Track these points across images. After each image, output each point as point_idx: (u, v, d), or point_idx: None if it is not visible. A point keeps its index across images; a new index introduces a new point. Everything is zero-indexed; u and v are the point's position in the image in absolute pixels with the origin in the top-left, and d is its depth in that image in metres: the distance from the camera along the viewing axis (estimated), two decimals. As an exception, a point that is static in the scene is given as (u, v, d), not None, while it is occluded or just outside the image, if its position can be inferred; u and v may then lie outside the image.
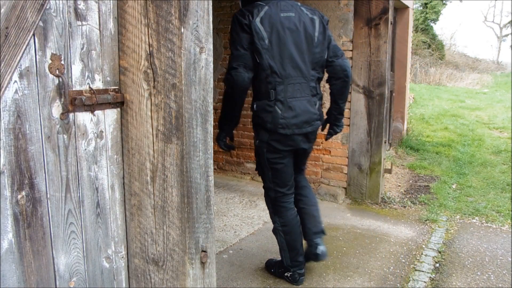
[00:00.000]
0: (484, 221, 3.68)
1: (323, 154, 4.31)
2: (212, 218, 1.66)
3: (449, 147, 6.53)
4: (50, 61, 1.31)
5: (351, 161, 4.15)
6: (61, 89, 1.34)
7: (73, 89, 1.39)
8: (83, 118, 1.43)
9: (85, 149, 1.45)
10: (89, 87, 1.44)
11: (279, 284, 2.57)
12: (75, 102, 1.38)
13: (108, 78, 1.51)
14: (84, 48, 1.41)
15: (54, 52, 1.31)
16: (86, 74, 1.43)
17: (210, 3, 1.54)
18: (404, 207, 4.03)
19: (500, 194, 4.39)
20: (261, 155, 2.36)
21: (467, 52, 29.66)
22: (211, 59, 1.57)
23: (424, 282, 2.63)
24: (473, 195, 4.38)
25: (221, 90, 4.83)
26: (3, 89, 1.19)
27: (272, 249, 3.00)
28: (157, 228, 1.57)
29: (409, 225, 3.56)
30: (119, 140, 1.58)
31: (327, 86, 2.54)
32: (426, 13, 20.14)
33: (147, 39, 1.46)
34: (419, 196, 4.31)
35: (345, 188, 4.22)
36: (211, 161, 1.62)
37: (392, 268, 2.80)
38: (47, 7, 1.28)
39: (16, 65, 1.21)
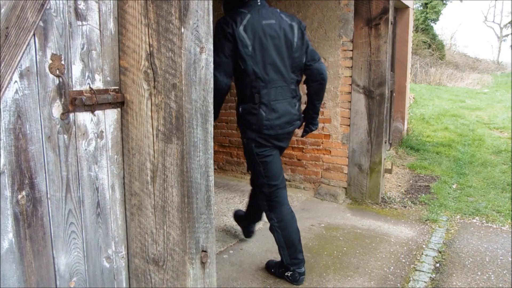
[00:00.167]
0: (484, 221, 3.68)
1: (323, 154, 4.31)
2: (213, 218, 1.66)
3: (449, 147, 6.53)
4: (50, 61, 1.31)
5: (351, 161, 4.15)
6: (62, 89, 1.34)
7: (74, 89, 1.39)
8: (84, 118, 1.43)
9: (86, 149, 1.45)
10: (90, 87, 1.44)
11: (279, 284, 2.57)
12: (75, 102, 1.38)
13: (109, 78, 1.51)
14: (85, 48, 1.41)
15: (55, 52, 1.32)
16: (87, 74, 1.43)
17: (211, 3, 1.54)
18: (405, 207, 4.03)
19: (500, 194, 4.39)
20: (251, 151, 2.47)
21: (467, 52, 29.65)
22: (211, 59, 1.57)
23: (425, 282, 2.63)
24: (474, 195, 4.38)
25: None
26: (3, 89, 1.19)
27: (272, 249, 3.00)
28: (157, 228, 1.57)
29: (409, 225, 3.56)
30: (120, 140, 1.58)
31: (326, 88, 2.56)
32: (426, 13, 20.14)
33: (147, 39, 1.46)
34: (419, 196, 4.31)
35: (345, 188, 4.22)
36: (212, 161, 1.62)
37: (392, 268, 2.80)
38: (47, 7, 1.28)
39: (17, 65, 1.21)
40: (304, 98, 2.66)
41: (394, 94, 6.17)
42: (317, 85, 2.54)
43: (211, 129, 1.60)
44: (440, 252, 3.04)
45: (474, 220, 3.71)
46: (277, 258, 2.74)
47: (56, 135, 1.35)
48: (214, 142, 3.17)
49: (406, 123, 6.88)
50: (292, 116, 2.47)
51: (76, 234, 1.44)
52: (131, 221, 1.63)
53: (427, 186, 4.69)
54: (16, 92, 1.23)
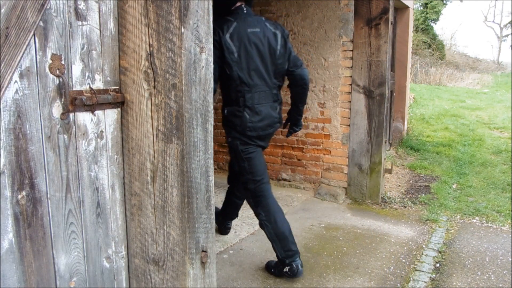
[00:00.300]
0: (484, 221, 3.68)
1: (323, 154, 4.31)
2: (213, 218, 1.66)
3: (449, 147, 6.52)
4: (50, 61, 1.31)
5: (351, 161, 4.15)
6: (62, 89, 1.34)
7: (74, 89, 1.39)
8: (84, 118, 1.43)
9: (86, 149, 1.45)
10: (90, 87, 1.44)
11: (279, 284, 2.57)
12: (75, 102, 1.38)
13: (109, 78, 1.51)
14: (85, 48, 1.41)
15: (55, 52, 1.32)
16: (87, 74, 1.43)
17: (211, 3, 1.55)
18: (405, 207, 4.03)
19: (500, 194, 4.39)
20: (236, 149, 2.59)
21: (467, 52, 29.65)
22: (211, 59, 1.57)
23: (425, 282, 2.63)
24: (474, 195, 4.38)
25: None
26: (3, 89, 1.19)
27: (272, 249, 3.00)
28: (157, 228, 1.57)
29: (409, 225, 3.56)
30: (120, 140, 1.58)
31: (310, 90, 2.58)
32: (427, 13, 20.14)
33: (147, 39, 1.46)
34: (419, 196, 4.31)
35: (345, 188, 4.22)
36: (212, 161, 1.62)
37: (392, 268, 2.80)
38: (48, 7, 1.28)
39: (17, 65, 1.21)
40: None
41: (394, 94, 6.17)
42: (300, 89, 2.70)
43: (211, 129, 1.60)
44: (440, 252, 3.04)
45: (474, 220, 3.71)
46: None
47: (56, 135, 1.35)
48: (214, 142, 3.18)
49: (406, 123, 6.88)
50: (273, 119, 2.62)
51: (76, 234, 1.44)
52: (131, 221, 1.63)
53: (427, 186, 4.69)
54: (16, 92, 1.23)
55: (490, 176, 5.08)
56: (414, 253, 3.03)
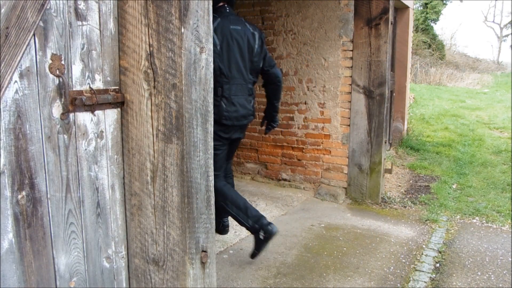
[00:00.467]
0: (484, 221, 3.68)
1: (323, 154, 4.31)
2: (213, 218, 1.66)
3: (449, 147, 6.52)
4: (50, 61, 1.31)
5: (351, 161, 4.15)
6: (62, 89, 1.35)
7: (74, 89, 1.39)
8: (84, 118, 1.43)
9: (86, 149, 1.45)
10: (90, 87, 1.44)
11: (279, 284, 2.57)
12: (75, 102, 1.38)
13: (109, 78, 1.51)
14: (85, 48, 1.41)
15: (55, 52, 1.32)
16: (87, 74, 1.43)
17: (210, 3, 1.55)
18: (405, 207, 4.03)
19: (500, 194, 4.39)
20: None
21: (467, 52, 29.63)
22: (211, 59, 1.57)
23: (425, 282, 2.63)
24: (474, 195, 4.38)
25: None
26: (3, 89, 1.19)
27: (272, 249, 3.01)
28: (157, 228, 1.57)
29: (409, 225, 3.56)
30: (120, 140, 1.58)
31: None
32: (427, 13, 20.13)
33: (147, 39, 1.46)
34: (419, 196, 4.31)
35: (345, 188, 4.22)
36: (211, 161, 1.62)
37: (392, 268, 2.80)
38: (48, 7, 1.28)
39: (17, 65, 1.21)
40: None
41: (394, 94, 6.17)
42: (274, 87, 2.96)
43: (211, 129, 1.60)
44: (440, 252, 3.04)
45: (474, 220, 3.71)
46: (277, 258, 2.75)
47: (56, 135, 1.35)
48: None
49: (406, 123, 6.88)
50: (248, 111, 2.82)
51: (76, 234, 1.44)
52: (131, 221, 1.63)
53: (427, 186, 4.69)
54: (16, 92, 1.23)
55: (490, 176, 5.08)
56: (414, 253, 3.03)
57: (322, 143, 4.28)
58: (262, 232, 2.64)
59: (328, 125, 4.23)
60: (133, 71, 1.52)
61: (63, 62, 1.34)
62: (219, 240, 3.15)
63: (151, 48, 1.46)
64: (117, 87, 1.54)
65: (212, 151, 1.62)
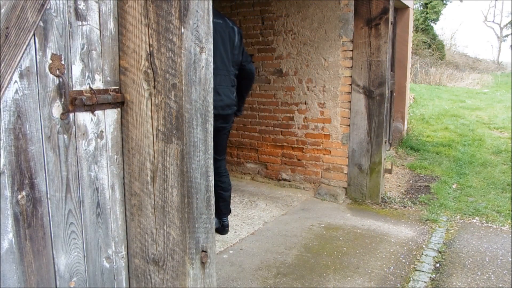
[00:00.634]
0: (484, 221, 3.68)
1: (323, 154, 4.31)
2: (213, 218, 1.66)
3: (449, 147, 6.52)
4: (50, 61, 1.31)
5: (351, 161, 4.15)
6: (62, 89, 1.34)
7: (74, 89, 1.39)
8: (84, 118, 1.43)
9: (85, 149, 1.45)
10: (90, 87, 1.44)
11: (279, 284, 2.57)
12: (75, 102, 1.38)
13: (109, 78, 1.51)
14: (85, 48, 1.41)
15: (55, 52, 1.32)
16: (87, 74, 1.43)
17: (210, 3, 1.54)
18: (405, 207, 4.03)
19: (500, 194, 4.39)
20: None
21: (467, 52, 29.62)
22: (211, 59, 1.57)
23: (425, 282, 2.63)
24: (474, 195, 4.38)
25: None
26: (3, 89, 1.19)
27: (272, 249, 3.01)
28: (157, 228, 1.57)
29: (409, 225, 3.56)
30: (119, 140, 1.58)
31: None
32: (427, 13, 20.13)
33: (147, 39, 1.46)
34: (419, 196, 4.31)
35: (345, 188, 4.22)
36: (211, 161, 1.62)
37: (392, 268, 2.80)
38: (48, 7, 1.28)
39: (17, 65, 1.21)
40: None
41: (394, 94, 6.17)
42: (247, 81, 3.17)
43: (211, 129, 1.60)
44: (440, 252, 3.04)
45: (474, 220, 3.71)
46: (277, 258, 2.74)
47: (56, 135, 1.35)
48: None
49: (406, 123, 6.88)
50: (231, 101, 2.95)
51: (76, 234, 1.44)
52: (131, 221, 1.63)
53: (427, 186, 4.68)
54: (16, 92, 1.23)
55: (490, 176, 5.08)
56: (414, 253, 3.03)
57: (322, 143, 4.28)
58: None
59: (328, 125, 4.23)
60: (133, 71, 1.52)
61: (63, 62, 1.34)
62: (219, 240, 3.15)
63: (151, 48, 1.46)
64: (117, 87, 1.54)
65: (212, 151, 1.62)
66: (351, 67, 4.03)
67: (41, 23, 1.26)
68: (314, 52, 4.21)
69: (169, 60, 1.44)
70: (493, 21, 48.40)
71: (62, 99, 1.35)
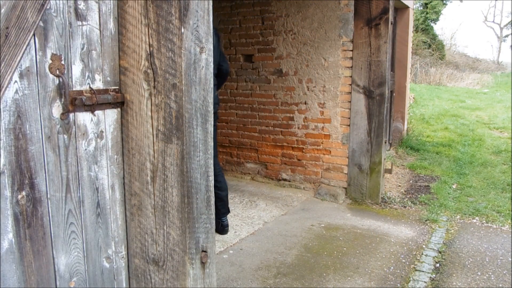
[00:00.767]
0: (484, 221, 3.68)
1: (323, 154, 4.31)
2: (213, 218, 1.66)
3: (449, 147, 6.52)
4: (50, 61, 1.31)
5: (351, 161, 4.15)
6: (62, 89, 1.34)
7: (74, 89, 1.39)
8: (84, 118, 1.43)
9: (85, 149, 1.45)
10: (90, 87, 1.44)
11: (279, 284, 2.57)
12: (75, 102, 1.38)
13: (109, 78, 1.51)
14: (85, 48, 1.41)
15: (55, 52, 1.32)
16: (87, 74, 1.43)
17: (210, 3, 1.54)
18: (405, 207, 4.03)
19: (500, 194, 4.39)
20: None
21: (467, 52, 29.61)
22: (211, 59, 1.57)
23: (425, 282, 2.63)
24: (474, 195, 4.38)
25: (221, 91, 4.84)
26: (3, 89, 1.19)
27: (272, 249, 3.01)
28: (157, 228, 1.57)
29: (409, 225, 3.56)
30: (119, 140, 1.58)
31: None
32: (427, 13, 20.13)
33: (147, 39, 1.46)
34: (419, 196, 4.31)
35: (345, 188, 4.22)
36: (211, 161, 1.62)
37: (392, 268, 2.80)
38: (48, 7, 1.28)
39: (17, 65, 1.21)
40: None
41: (394, 94, 6.17)
42: (221, 80, 3.37)
43: (211, 129, 1.60)
44: (440, 252, 3.04)
45: (474, 220, 3.71)
46: (277, 258, 2.74)
47: (56, 135, 1.35)
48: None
49: (406, 123, 6.88)
50: (215, 99, 2.99)
51: (76, 234, 1.44)
52: (131, 221, 1.63)
53: (427, 186, 4.69)
54: (16, 92, 1.23)
55: (490, 176, 5.08)
56: (414, 253, 3.03)
57: (322, 143, 4.29)
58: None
59: (328, 125, 4.23)
60: (133, 71, 1.52)
61: (63, 62, 1.34)
62: (219, 240, 3.15)
63: (151, 48, 1.46)
64: (117, 87, 1.54)
65: (212, 151, 1.62)
66: (351, 67, 4.03)
67: (41, 23, 1.26)
68: (314, 52, 4.21)
69: (169, 60, 1.44)
70: (493, 21, 48.40)
71: (62, 99, 1.35)
